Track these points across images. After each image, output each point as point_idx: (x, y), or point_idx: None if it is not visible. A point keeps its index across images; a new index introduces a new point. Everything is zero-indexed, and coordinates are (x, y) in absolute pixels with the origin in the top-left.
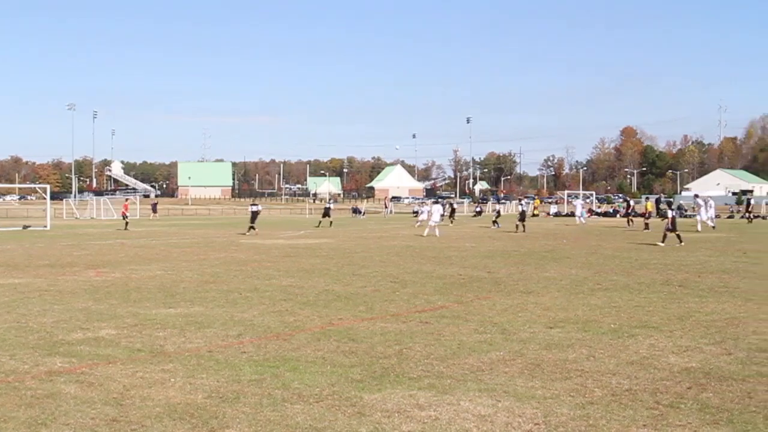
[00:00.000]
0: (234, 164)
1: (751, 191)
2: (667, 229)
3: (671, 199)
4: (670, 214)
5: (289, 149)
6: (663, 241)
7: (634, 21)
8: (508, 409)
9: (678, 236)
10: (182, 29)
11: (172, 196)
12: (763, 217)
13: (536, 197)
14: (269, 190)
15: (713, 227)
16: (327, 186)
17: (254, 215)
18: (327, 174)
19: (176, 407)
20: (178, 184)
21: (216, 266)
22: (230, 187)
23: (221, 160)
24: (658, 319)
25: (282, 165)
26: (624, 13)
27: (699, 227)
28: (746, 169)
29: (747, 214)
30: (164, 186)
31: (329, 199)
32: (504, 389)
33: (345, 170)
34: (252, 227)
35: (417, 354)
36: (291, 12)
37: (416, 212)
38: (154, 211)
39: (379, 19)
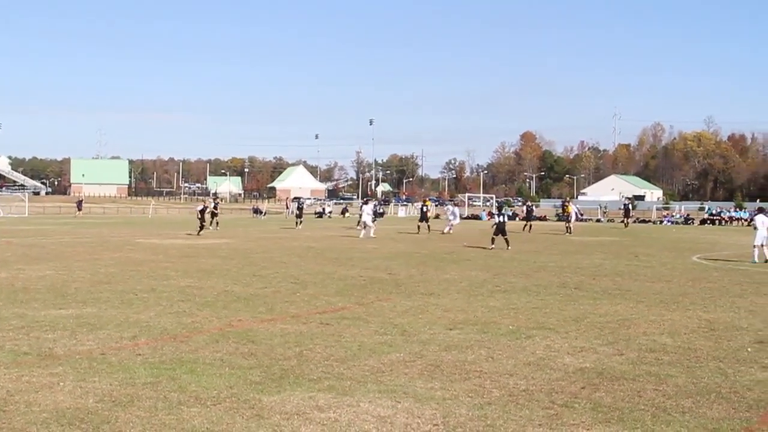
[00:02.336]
0: (131, 162)
1: (632, 198)
2: (495, 234)
3: (503, 204)
4: (497, 218)
5: (189, 148)
6: (492, 244)
7: (534, 26)
8: (408, 410)
9: (507, 241)
10: (75, 21)
11: (65, 193)
12: (654, 222)
13: (438, 199)
14: (167, 189)
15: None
16: (227, 185)
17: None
18: (227, 173)
19: (65, 412)
20: (71, 181)
21: (110, 266)
22: (127, 186)
23: (118, 158)
24: (555, 320)
25: (181, 163)
26: (524, 18)
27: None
28: (638, 175)
29: (624, 220)
30: (56, 183)
31: (213, 200)
32: (404, 390)
33: (246, 170)
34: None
35: (317, 356)
36: (194, 9)
37: (320, 213)
38: (79, 208)
39: (281, 17)
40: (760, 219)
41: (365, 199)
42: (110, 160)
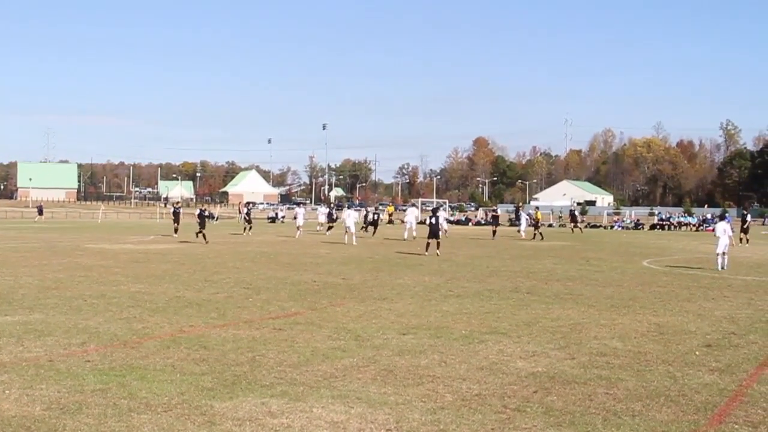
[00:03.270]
0: (80, 166)
1: (582, 203)
2: (429, 237)
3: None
4: (430, 220)
5: (140, 152)
6: (427, 250)
7: (487, 31)
8: (361, 415)
9: (438, 244)
10: (22, 22)
11: (11, 198)
12: (605, 227)
13: (390, 204)
14: (118, 194)
15: (523, 236)
16: (179, 190)
17: (202, 219)
18: (179, 178)
19: (11, 421)
20: (18, 185)
21: (59, 272)
22: (76, 190)
23: (66, 162)
24: (507, 325)
25: (132, 168)
26: (478, 23)
27: (523, 234)
28: (590, 180)
29: (571, 224)
30: (2, 187)
31: (177, 203)
32: (357, 395)
33: (198, 174)
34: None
35: (270, 361)
36: (143, 12)
37: (272, 218)
38: (40, 213)
39: (234, 21)
40: (721, 227)
41: (348, 205)
42: (58, 164)
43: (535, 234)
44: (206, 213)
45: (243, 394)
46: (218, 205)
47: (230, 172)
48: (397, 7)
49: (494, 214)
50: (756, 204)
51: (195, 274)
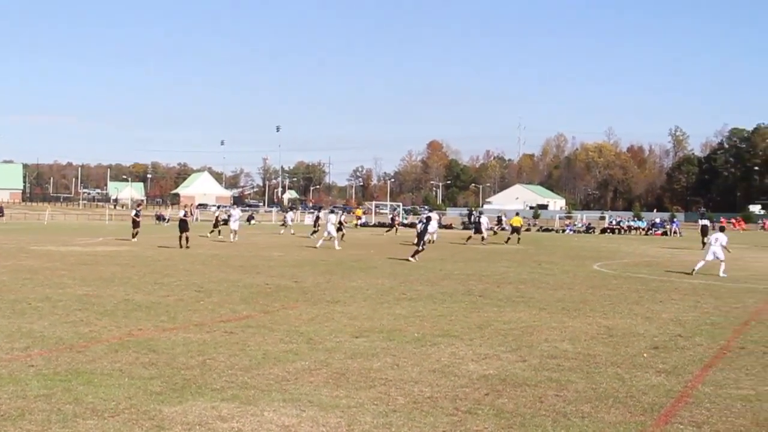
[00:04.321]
0: (26, 166)
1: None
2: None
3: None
4: (420, 226)
5: (89, 152)
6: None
7: (441, 35)
8: (313, 418)
9: (418, 251)
10: None
11: None
12: (556, 230)
13: (358, 207)
14: (65, 195)
15: (483, 239)
16: (129, 191)
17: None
18: (129, 179)
19: None
20: None
21: (2, 274)
22: (21, 191)
23: (11, 162)
24: (460, 328)
25: (80, 168)
26: (432, 27)
27: (485, 236)
28: (542, 184)
29: (495, 228)
30: None
31: (139, 206)
32: (309, 399)
33: (149, 176)
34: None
35: (221, 364)
36: (91, 10)
37: (225, 221)
38: (1, 214)
39: (186, 20)
40: (714, 236)
41: (330, 209)
42: (2, 164)
43: (509, 238)
44: (188, 215)
45: (193, 398)
46: (169, 207)
47: (182, 174)
48: (352, 9)
49: (477, 219)
50: (703, 209)
51: (145, 277)
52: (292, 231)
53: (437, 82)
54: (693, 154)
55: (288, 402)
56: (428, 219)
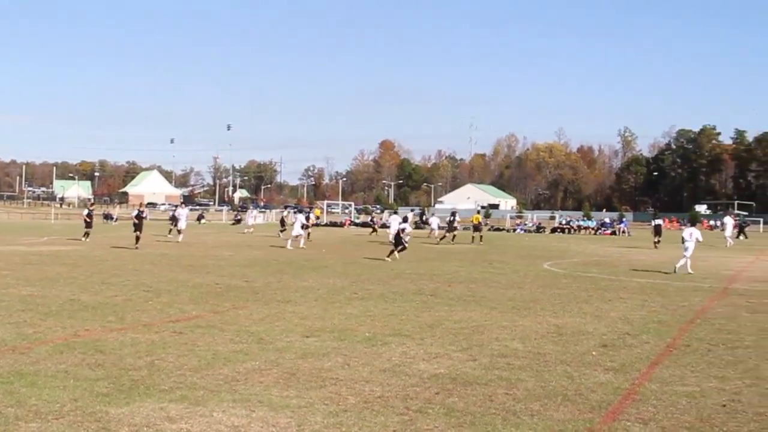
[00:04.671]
0: None
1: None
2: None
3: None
4: (400, 226)
5: (33, 150)
6: (389, 256)
7: (393, 35)
8: (262, 419)
9: (396, 251)
10: None
11: None
12: (507, 230)
13: (317, 207)
14: (9, 193)
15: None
16: (76, 190)
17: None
18: (76, 177)
19: None
20: None
21: None
22: None
23: None
24: (411, 327)
25: (24, 166)
26: (384, 27)
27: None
28: (494, 184)
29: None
30: None
31: (92, 205)
32: (258, 399)
33: (97, 174)
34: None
35: (169, 365)
36: (36, 5)
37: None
38: None
39: (135, 16)
40: (688, 232)
41: (297, 209)
42: None
43: (473, 237)
44: (144, 214)
45: (140, 399)
46: (117, 206)
47: (131, 172)
48: (304, 8)
49: (451, 219)
50: (651, 208)
51: (92, 277)
52: (251, 230)
53: (389, 81)
54: (641, 154)
55: (237, 402)
56: (405, 219)
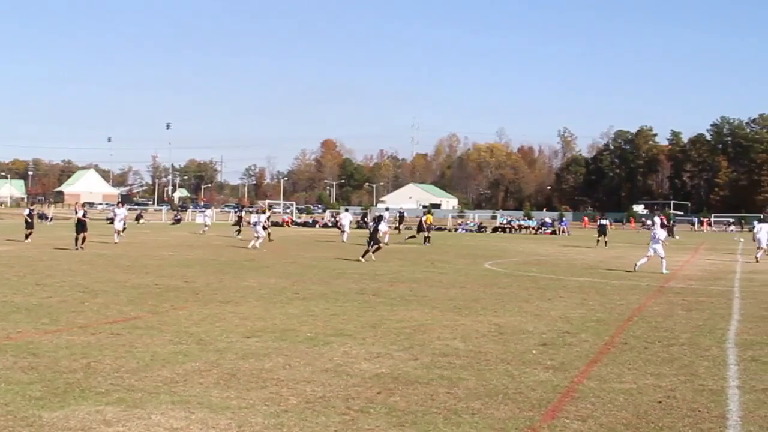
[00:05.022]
0: None
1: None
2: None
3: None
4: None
5: None
6: (363, 256)
7: (336, 34)
8: (202, 420)
9: (375, 249)
10: None
11: None
12: (449, 230)
13: (270, 207)
14: None
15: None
16: (8, 189)
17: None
18: (8, 176)
19: None
20: None
21: None
22: None
23: None
24: (353, 326)
25: None
26: (324, 26)
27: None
28: (435, 184)
29: (398, 227)
30: None
31: (31, 206)
32: (198, 401)
33: (30, 173)
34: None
35: (106, 367)
36: None
37: (111, 219)
38: None
39: (72, 13)
40: (654, 232)
41: (259, 208)
42: None
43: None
44: (87, 216)
45: (76, 403)
46: (52, 206)
47: (66, 171)
48: (245, 6)
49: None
50: (590, 208)
51: (25, 278)
52: (205, 230)
53: (331, 80)
54: (581, 155)
55: (177, 404)
56: (380, 218)
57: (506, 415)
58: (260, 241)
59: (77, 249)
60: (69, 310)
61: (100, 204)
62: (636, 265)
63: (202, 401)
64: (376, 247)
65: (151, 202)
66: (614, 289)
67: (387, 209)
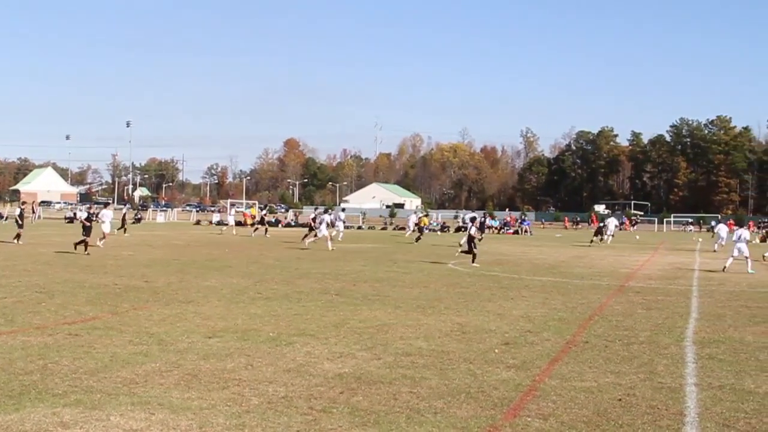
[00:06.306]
0: None
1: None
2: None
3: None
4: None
5: None
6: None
7: (300, 33)
8: (162, 421)
9: (474, 254)
10: None
11: None
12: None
13: (253, 206)
14: None
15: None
16: None
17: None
18: None
19: None
20: None
21: None
22: None
23: None
24: (315, 326)
25: None
26: (287, 25)
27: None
28: (399, 183)
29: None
30: None
31: (23, 204)
32: (159, 401)
33: None
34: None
35: (64, 368)
36: None
37: (71, 218)
38: None
39: (29, 6)
40: (738, 233)
41: (231, 206)
42: None
43: (418, 237)
44: (92, 217)
45: (32, 405)
46: (8, 204)
47: (22, 169)
48: (207, 3)
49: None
50: (552, 208)
51: None
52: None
53: (294, 79)
54: (543, 155)
55: (136, 405)
56: (473, 219)
57: (468, 413)
58: (319, 237)
59: (86, 254)
60: (25, 311)
61: (58, 203)
62: (724, 267)
63: (162, 402)
64: (472, 254)
65: (110, 201)
66: (576, 288)
67: (343, 210)
